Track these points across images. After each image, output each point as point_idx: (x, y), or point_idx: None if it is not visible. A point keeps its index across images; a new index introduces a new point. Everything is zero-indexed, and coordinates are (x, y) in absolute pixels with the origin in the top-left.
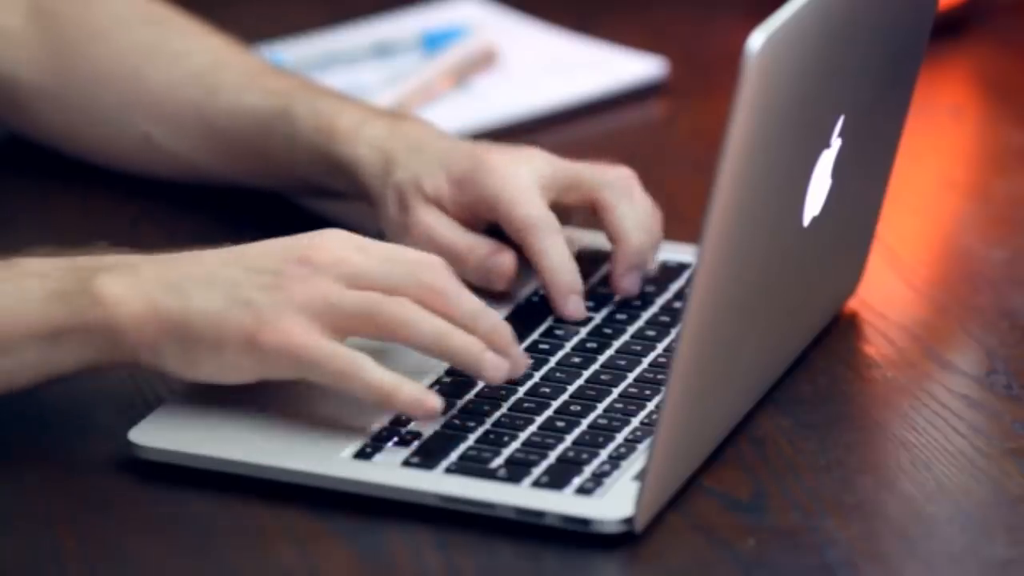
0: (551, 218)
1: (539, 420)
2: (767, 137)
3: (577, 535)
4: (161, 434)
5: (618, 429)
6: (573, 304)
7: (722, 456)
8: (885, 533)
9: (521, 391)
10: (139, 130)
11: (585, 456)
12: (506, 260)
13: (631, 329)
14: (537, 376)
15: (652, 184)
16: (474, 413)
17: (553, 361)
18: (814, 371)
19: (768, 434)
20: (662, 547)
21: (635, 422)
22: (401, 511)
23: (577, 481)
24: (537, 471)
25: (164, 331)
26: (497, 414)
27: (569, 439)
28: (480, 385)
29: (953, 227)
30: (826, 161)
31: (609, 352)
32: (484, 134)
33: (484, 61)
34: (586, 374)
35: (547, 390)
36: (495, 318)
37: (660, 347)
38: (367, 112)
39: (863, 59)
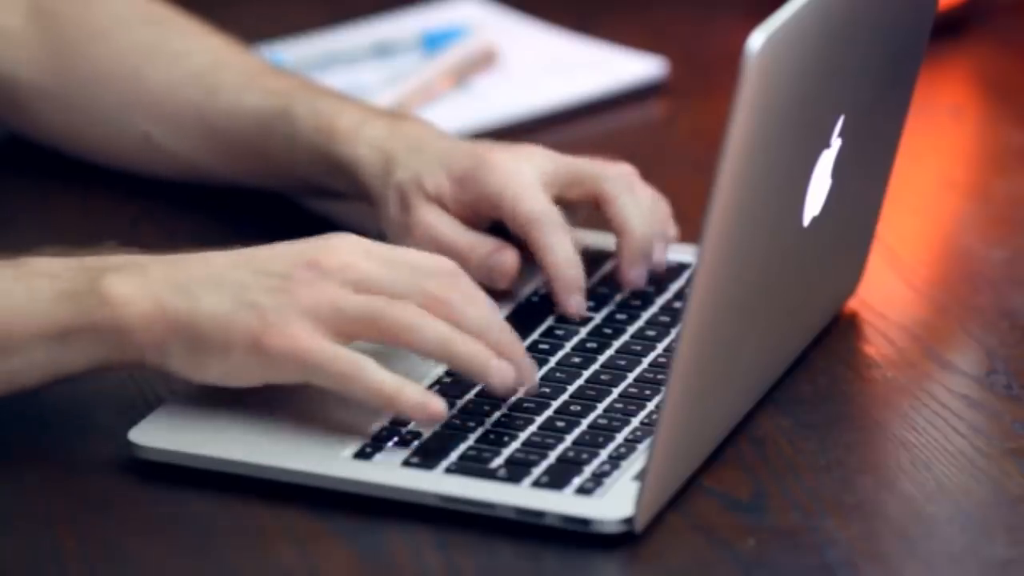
0: (556, 213)
1: (539, 420)
2: (767, 137)
3: (577, 535)
4: (161, 434)
5: (618, 429)
6: (576, 302)
7: (722, 456)
8: (885, 533)
9: (521, 391)
10: (139, 130)
11: (585, 456)
12: (508, 258)
13: (631, 329)
14: (537, 376)
15: (652, 184)
16: (474, 413)
17: (553, 361)
18: (814, 371)
19: (768, 434)
20: (662, 547)
21: (635, 422)
22: (401, 511)
23: (577, 481)
24: (537, 471)
25: (171, 332)
26: (497, 414)
27: (569, 439)
28: (480, 385)
29: (953, 227)
30: (826, 161)
31: (609, 352)
32: (484, 134)
33: (484, 61)
34: (586, 374)
35: (547, 390)
36: (503, 328)
37: (660, 347)
38: (367, 112)
39: (863, 59)
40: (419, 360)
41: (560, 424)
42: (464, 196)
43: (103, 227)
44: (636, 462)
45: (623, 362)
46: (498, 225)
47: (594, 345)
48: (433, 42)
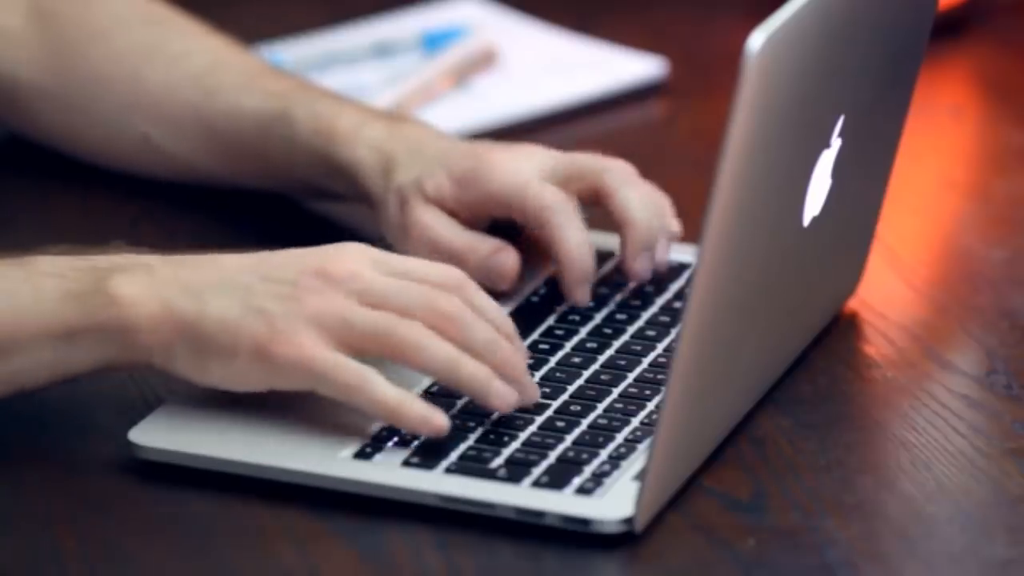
0: (567, 200)
1: (539, 420)
2: (767, 137)
3: (577, 535)
4: (161, 434)
5: (618, 429)
6: (583, 291)
7: (722, 456)
8: (885, 533)
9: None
10: (138, 131)
11: (585, 456)
12: (509, 259)
13: (631, 329)
14: (537, 376)
15: (652, 184)
16: (474, 413)
17: (553, 361)
18: (814, 371)
19: (768, 434)
20: (662, 547)
21: (635, 422)
22: (401, 511)
23: (577, 481)
24: (537, 471)
25: (178, 334)
26: (497, 414)
27: (569, 439)
28: None
29: (953, 227)
30: (826, 161)
31: (609, 352)
32: (484, 134)
33: (484, 61)
34: (586, 374)
35: (547, 390)
36: (508, 348)
37: (660, 347)
38: (366, 114)
39: (863, 59)
40: None
41: (560, 424)
42: (466, 196)
43: (103, 227)
44: (636, 462)
45: (623, 362)
46: (496, 227)
47: (594, 345)
48: (433, 42)
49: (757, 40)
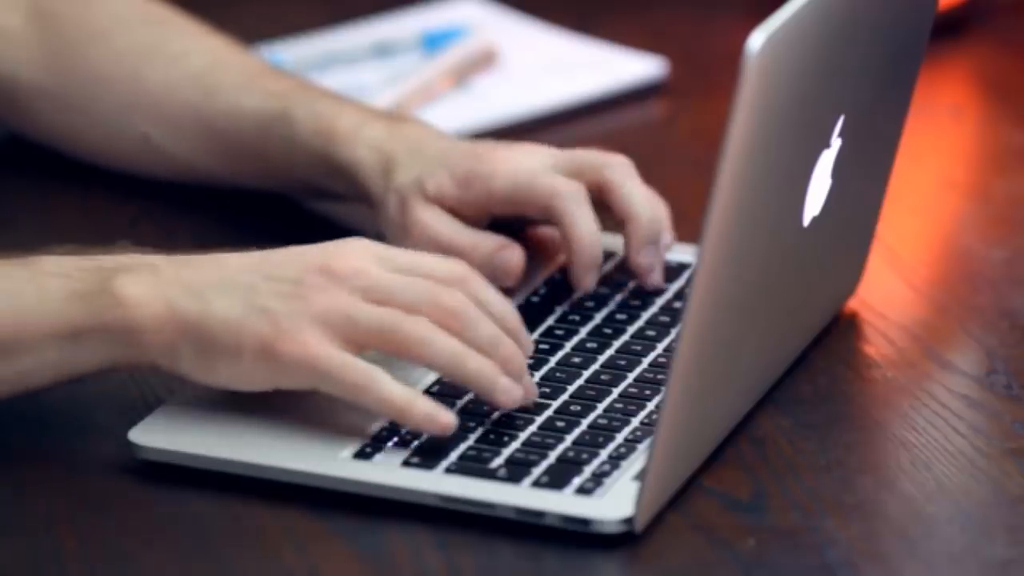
0: (577, 187)
1: (539, 420)
2: (767, 137)
3: (577, 535)
4: (161, 434)
5: (618, 429)
6: (592, 279)
7: (722, 456)
8: (885, 533)
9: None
10: (138, 131)
11: (585, 456)
12: (514, 255)
13: (631, 329)
14: (537, 376)
15: (652, 184)
16: (474, 413)
17: (553, 361)
18: (814, 371)
19: (768, 434)
20: (662, 547)
21: (635, 422)
22: (401, 511)
23: (577, 481)
24: (537, 471)
25: (181, 334)
26: (497, 414)
27: (569, 439)
28: None
29: (953, 227)
30: (826, 161)
31: (609, 352)
32: (484, 134)
33: (484, 61)
34: (586, 374)
35: (547, 390)
36: (510, 346)
37: (660, 347)
38: (366, 114)
39: (863, 59)
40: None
41: (560, 424)
42: (467, 195)
43: (103, 227)
44: (636, 462)
45: (623, 362)
46: (494, 228)
47: (594, 345)
48: (433, 42)
49: (757, 40)
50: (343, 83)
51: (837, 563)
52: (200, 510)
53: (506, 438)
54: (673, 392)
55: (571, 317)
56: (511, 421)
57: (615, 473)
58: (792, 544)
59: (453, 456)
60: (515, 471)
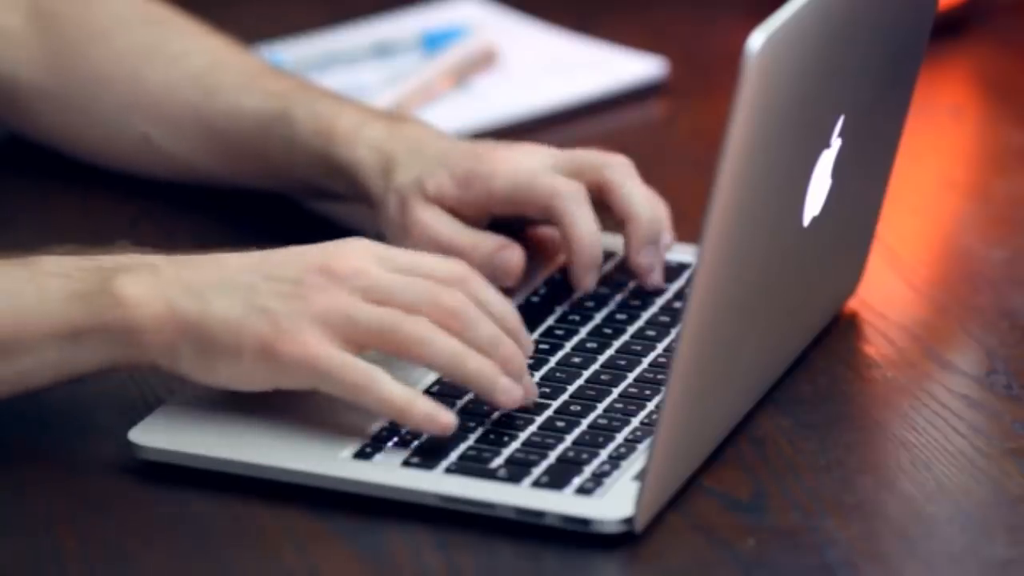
0: (577, 186)
1: (539, 420)
2: (767, 137)
3: (577, 535)
4: (161, 434)
5: (618, 429)
6: (592, 278)
7: (722, 456)
8: (885, 533)
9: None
10: (138, 131)
11: (585, 456)
12: (514, 255)
13: (631, 329)
14: (537, 376)
15: (652, 184)
16: (474, 413)
17: (553, 361)
18: (814, 371)
19: (768, 434)
20: (662, 547)
21: (635, 422)
22: (401, 511)
23: (577, 481)
24: (537, 471)
25: (181, 334)
26: (497, 414)
27: (569, 439)
28: None
29: (953, 227)
30: (826, 161)
31: (609, 352)
32: (484, 134)
33: (484, 61)
34: (586, 374)
35: (547, 390)
36: (510, 346)
37: (660, 347)
38: (366, 114)
39: (863, 59)
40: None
41: (560, 424)
42: (467, 195)
43: (103, 227)
44: (636, 462)
45: (623, 362)
46: (493, 228)
47: (594, 345)
48: (433, 42)
49: (757, 40)
50: (343, 83)
51: (837, 563)
52: (200, 510)
53: (506, 438)
54: (673, 392)
55: (571, 317)
56: (511, 421)
57: (615, 473)
58: (792, 544)
59: (453, 456)
60: (515, 471)
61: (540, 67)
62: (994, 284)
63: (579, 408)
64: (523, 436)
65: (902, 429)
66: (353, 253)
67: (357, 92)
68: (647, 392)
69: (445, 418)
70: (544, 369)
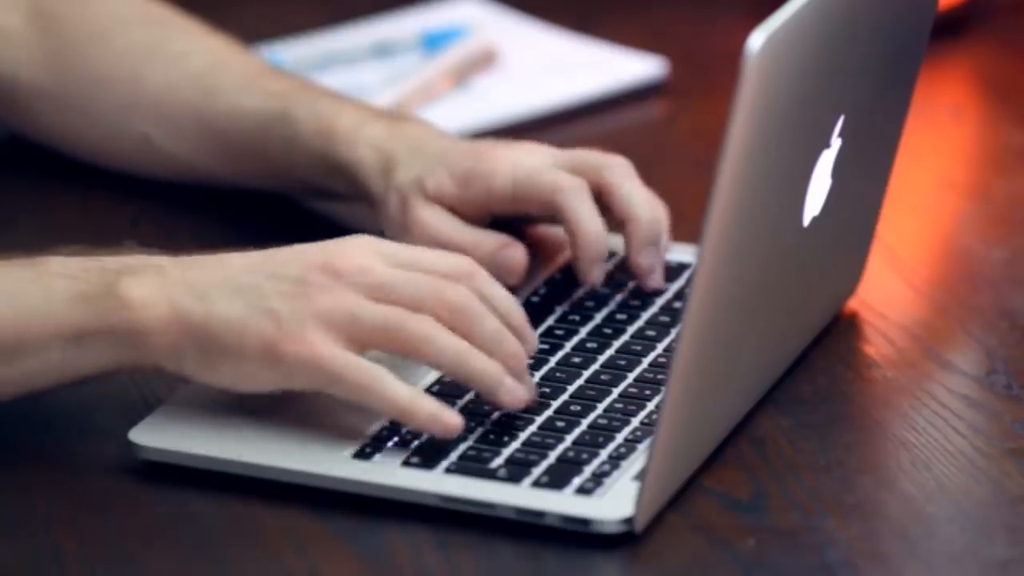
0: (580, 182)
1: (539, 420)
2: (767, 137)
3: (577, 535)
4: (161, 434)
5: (618, 429)
6: (600, 271)
7: (722, 456)
8: (885, 533)
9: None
10: (138, 131)
11: (585, 456)
12: (517, 253)
13: (631, 329)
14: (537, 376)
15: (652, 184)
16: (474, 413)
17: (553, 361)
18: (814, 371)
19: (768, 434)
20: (662, 547)
21: (635, 422)
22: (401, 511)
23: (577, 481)
24: (537, 471)
25: (186, 336)
26: (497, 414)
27: (569, 439)
28: None
29: (953, 227)
30: (826, 161)
31: (609, 352)
32: (484, 134)
33: (484, 61)
34: (586, 374)
35: (547, 390)
36: (513, 344)
37: (660, 347)
38: (366, 113)
39: (863, 59)
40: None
41: (560, 424)
42: (467, 194)
43: (103, 227)
44: (636, 462)
45: (623, 362)
46: (495, 227)
47: (594, 345)
48: (433, 42)
49: (757, 40)
50: (343, 83)
51: (837, 563)
52: (200, 510)
53: (506, 438)
54: (673, 392)
55: (571, 317)
56: (511, 421)
57: (615, 473)
58: (792, 544)
59: (453, 456)
60: (515, 471)
61: (540, 67)
62: (994, 284)
63: (579, 408)
64: (523, 436)
65: (902, 429)
66: (356, 250)
67: (357, 92)
68: (647, 392)
69: (450, 418)
70: (544, 369)
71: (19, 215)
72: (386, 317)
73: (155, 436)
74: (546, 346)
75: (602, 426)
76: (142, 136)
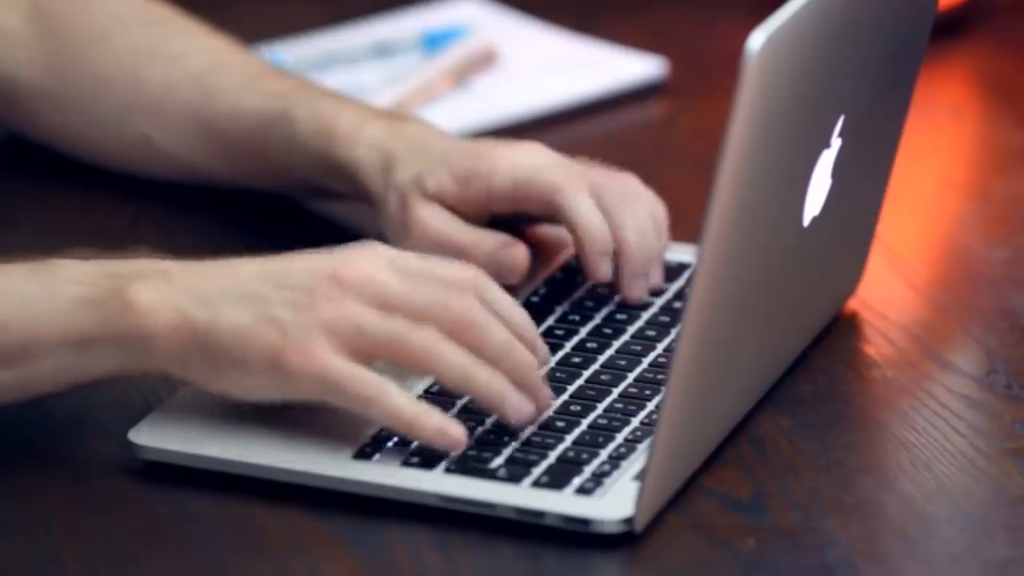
0: (578, 179)
1: (539, 420)
2: (767, 137)
3: (577, 535)
4: (161, 434)
5: (618, 429)
6: (607, 266)
7: (722, 456)
8: (885, 533)
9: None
10: (138, 131)
11: (585, 456)
12: (518, 252)
13: (631, 329)
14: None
15: (652, 184)
16: (474, 413)
17: (553, 361)
18: (814, 371)
19: (768, 434)
20: (662, 547)
21: (635, 422)
22: (401, 511)
23: (577, 481)
24: (537, 471)
25: (192, 343)
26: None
27: (569, 439)
28: None
29: (953, 227)
30: (826, 161)
31: (609, 352)
32: (484, 134)
33: (484, 61)
34: (586, 374)
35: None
36: (522, 353)
37: (660, 347)
38: (366, 113)
39: (863, 59)
40: None
41: (560, 424)
42: (467, 193)
43: (103, 227)
44: (636, 462)
45: (623, 362)
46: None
47: (594, 345)
48: (433, 42)
49: (757, 40)
50: (343, 83)
51: (837, 563)
52: (200, 510)
53: (506, 438)
54: (673, 392)
55: (571, 317)
56: None
57: (615, 473)
58: (792, 544)
59: (453, 456)
60: (515, 471)
61: (540, 67)
62: (994, 284)
63: (579, 408)
64: (523, 436)
65: (902, 429)
66: (364, 260)
67: (357, 92)
68: (647, 392)
69: (454, 432)
70: (544, 369)
71: (19, 215)
72: (390, 329)
73: (155, 436)
74: (546, 346)
75: (602, 426)
76: (142, 136)
